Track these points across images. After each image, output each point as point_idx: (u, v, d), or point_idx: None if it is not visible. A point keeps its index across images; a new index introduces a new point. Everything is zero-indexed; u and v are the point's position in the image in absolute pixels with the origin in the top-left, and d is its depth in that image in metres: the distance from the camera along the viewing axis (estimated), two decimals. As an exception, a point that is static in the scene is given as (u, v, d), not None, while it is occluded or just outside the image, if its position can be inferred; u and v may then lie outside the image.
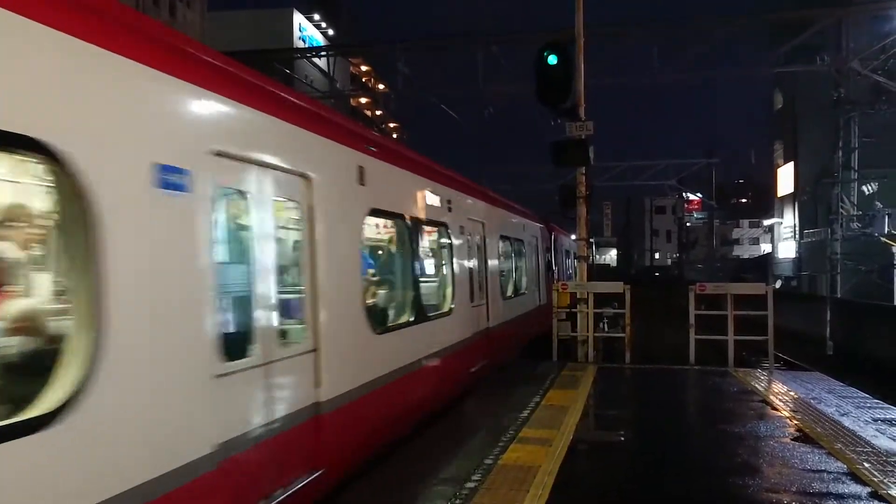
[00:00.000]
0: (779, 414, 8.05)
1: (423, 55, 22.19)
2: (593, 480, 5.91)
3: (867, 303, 25.11)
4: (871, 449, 6.45)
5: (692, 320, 11.57)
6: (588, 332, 12.12)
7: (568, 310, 12.70)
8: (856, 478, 5.64)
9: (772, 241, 52.28)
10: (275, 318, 4.83)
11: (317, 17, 69.32)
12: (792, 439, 6.91)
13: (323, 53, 29.54)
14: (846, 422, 7.50)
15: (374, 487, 6.52)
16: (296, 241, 5.51)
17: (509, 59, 20.71)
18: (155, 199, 3.62)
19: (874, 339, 20.85)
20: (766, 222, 57.54)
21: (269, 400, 4.63)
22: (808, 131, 40.08)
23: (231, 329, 4.49)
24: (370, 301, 7.06)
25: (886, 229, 29.78)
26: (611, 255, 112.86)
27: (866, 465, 5.96)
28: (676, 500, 5.42)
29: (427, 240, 9.28)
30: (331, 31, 71.05)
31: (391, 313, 7.82)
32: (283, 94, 5.48)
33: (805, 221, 40.94)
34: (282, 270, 5.15)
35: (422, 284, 8.42)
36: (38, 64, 3.01)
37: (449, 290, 9.43)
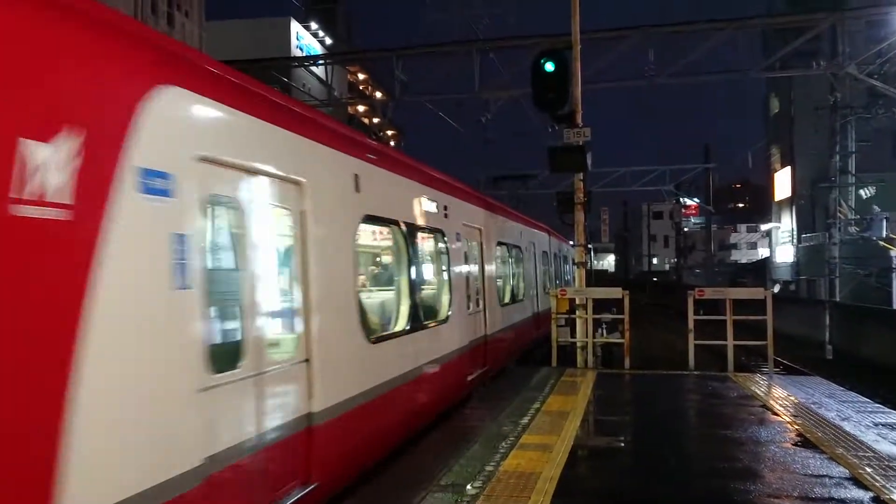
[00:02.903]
0: (779, 419, 8.03)
1: (419, 62, 22.22)
2: (594, 486, 5.88)
3: (866, 306, 25.14)
4: (872, 454, 6.43)
5: (691, 325, 11.55)
6: (587, 337, 12.10)
7: (567, 315, 12.69)
8: (858, 483, 5.62)
9: (770, 246, 52.34)
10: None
11: (314, 26, 69.52)
12: (793, 444, 6.88)
13: (321, 62, 29.60)
14: (847, 426, 7.48)
15: (373, 495, 6.49)
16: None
17: (507, 65, 20.73)
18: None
19: (873, 343, 20.86)
20: (764, 227, 57.63)
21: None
22: (804, 135, 40.22)
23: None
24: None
25: (884, 233, 29.85)
26: (609, 261, 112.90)
27: (868, 469, 5.93)
28: (678, 507, 5.39)
29: None
30: (328, 40, 71.21)
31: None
32: None
33: (803, 225, 41.04)
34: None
35: None
36: None
37: None
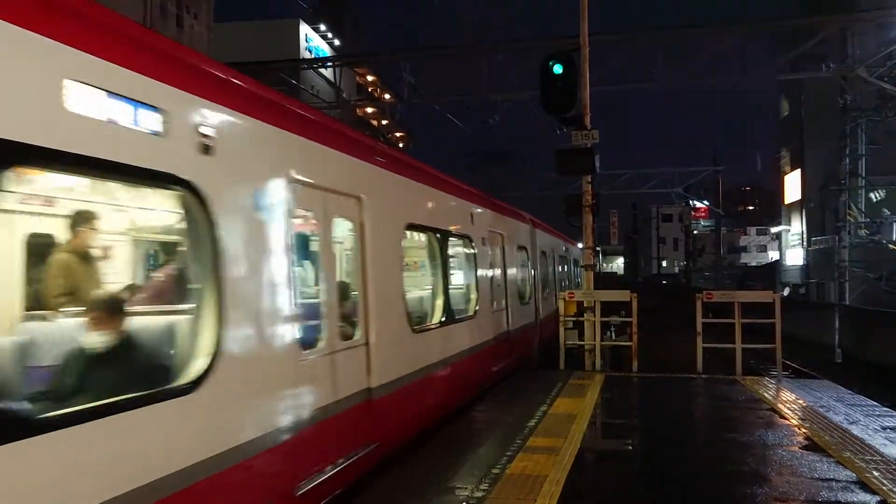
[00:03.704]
0: (787, 422, 8.02)
1: (428, 65, 22.32)
2: (600, 490, 5.89)
3: (876, 310, 24.97)
4: (880, 457, 6.41)
5: (699, 328, 11.53)
6: (595, 340, 12.11)
7: (575, 318, 12.70)
8: (865, 486, 5.61)
9: (779, 249, 52.07)
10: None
11: (322, 27, 69.75)
12: (800, 448, 6.88)
13: (329, 64, 29.70)
14: (855, 430, 7.46)
15: (379, 497, 6.52)
16: None
17: (515, 68, 20.83)
18: None
19: (883, 347, 20.72)
20: (774, 229, 57.38)
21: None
22: (814, 138, 40.00)
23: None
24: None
25: (894, 236, 29.65)
26: (618, 264, 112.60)
27: (875, 473, 5.93)
28: (684, 510, 5.40)
29: None
30: (336, 42, 71.40)
31: None
32: None
33: (812, 228, 40.79)
34: None
35: None
36: None
37: None
